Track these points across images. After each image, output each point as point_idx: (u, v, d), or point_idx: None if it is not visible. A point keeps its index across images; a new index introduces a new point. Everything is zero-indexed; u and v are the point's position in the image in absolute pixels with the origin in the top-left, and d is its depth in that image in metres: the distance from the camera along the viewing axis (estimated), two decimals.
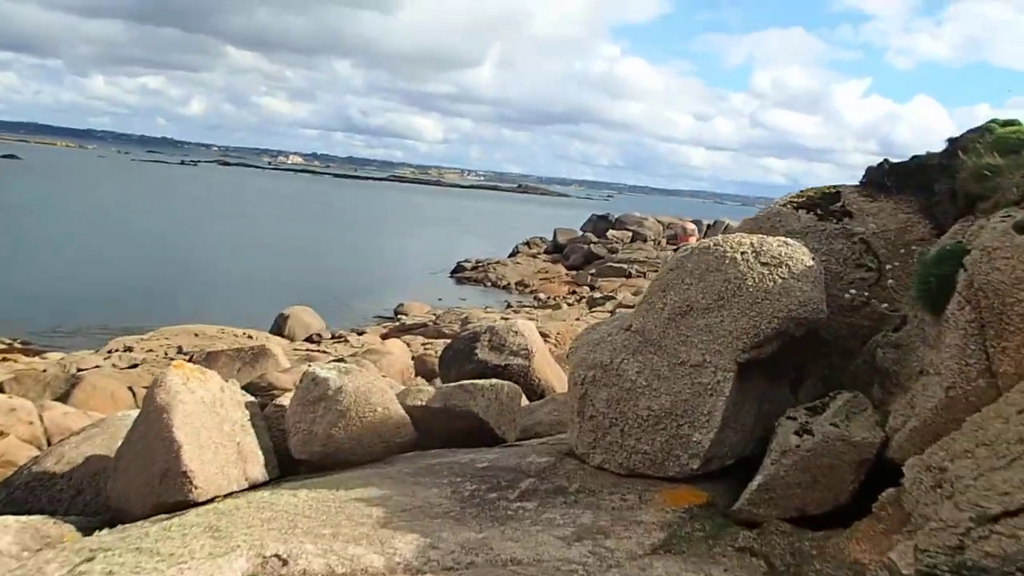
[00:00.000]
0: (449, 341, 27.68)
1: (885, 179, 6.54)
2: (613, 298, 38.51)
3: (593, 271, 49.76)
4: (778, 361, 5.20)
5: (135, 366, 18.04)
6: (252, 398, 5.91)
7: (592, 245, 55.15)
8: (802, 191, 6.73)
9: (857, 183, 6.75)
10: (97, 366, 18.60)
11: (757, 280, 4.99)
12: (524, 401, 8.64)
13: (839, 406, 4.73)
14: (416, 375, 18.61)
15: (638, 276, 48.05)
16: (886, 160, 6.74)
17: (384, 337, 29.93)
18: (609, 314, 32.91)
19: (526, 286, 47.88)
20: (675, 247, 10.92)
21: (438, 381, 16.95)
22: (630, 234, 57.45)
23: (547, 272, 51.58)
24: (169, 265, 41.61)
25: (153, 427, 5.07)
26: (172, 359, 19.18)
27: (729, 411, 4.98)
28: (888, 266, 5.88)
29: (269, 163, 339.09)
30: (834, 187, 6.67)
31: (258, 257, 48.96)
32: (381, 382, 6.05)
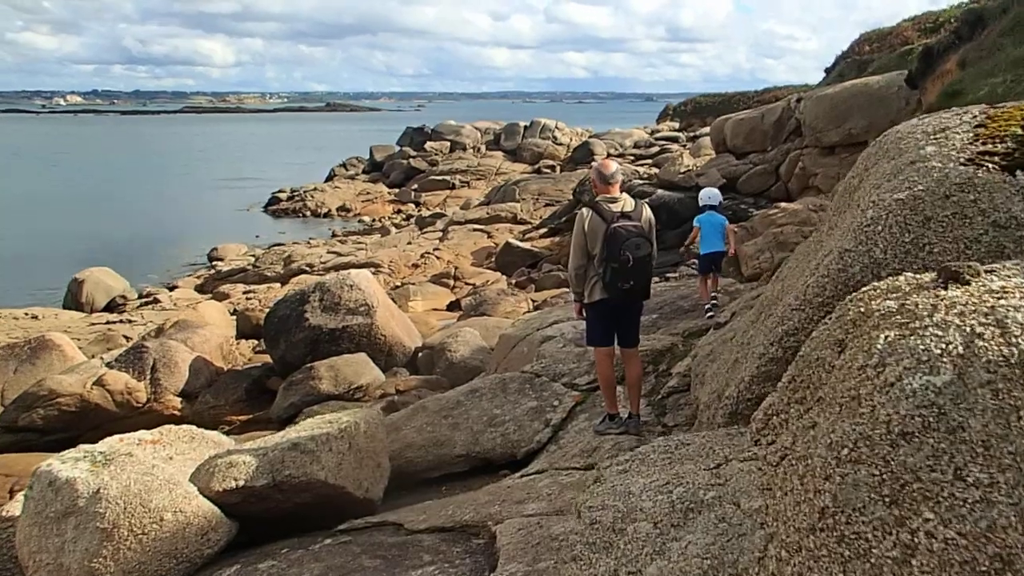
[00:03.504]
0: (275, 287, 25.36)
1: None
2: (443, 215, 36.75)
3: (416, 186, 47.86)
4: None
5: None
6: None
7: (411, 160, 52.97)
8: (985, 118, 3.47)
9: None
10: None
11: None
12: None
13: None
14: (239, 340, 16.30)
15: (462, 186, 46.68)
16: None
17: (200, 289, 27.04)
18: (440, 234, 31.19)
19: (348, 211, 45.48)
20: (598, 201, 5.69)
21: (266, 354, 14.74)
22: (448, 144, 55.49)
23: (368, 193, 49.16)
24: None
25: None
26: None
27: None
28: None
29: (43, 106, 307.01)
30: None
31: (39, 216, 43.05)
32: (167, 466, 4.05)
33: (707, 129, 33.92)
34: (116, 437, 4.79)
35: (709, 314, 8.69)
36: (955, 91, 9.31)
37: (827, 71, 32.49)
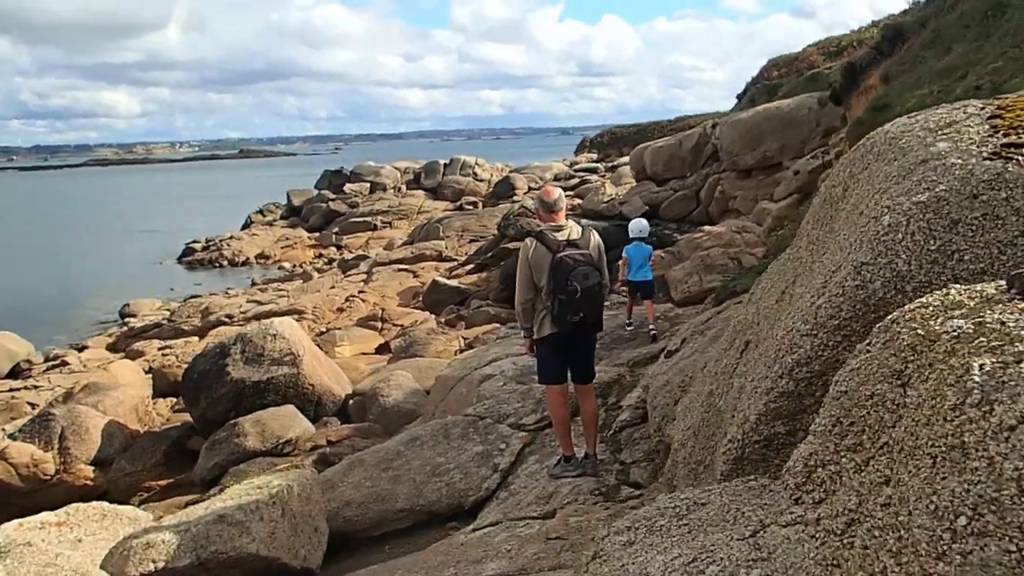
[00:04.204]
0: (193, 341, 24.34)
1: None
2: (366, 256, 36.13)
3: (336, 229, 47.10)
4: None
5: None
6: None
7: (331, 203, 52.23)
8: (997, 108, 3.13)
9: None
10: None
11: None
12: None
13: None
14: (156, 399, 15.43)
15: (384, 227, 46.19)
16: None
17: (112, 348, 25.81)
18: (364, 276, 30.57)
19: (267, 258, 44.44)
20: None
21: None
22: (368, 185, 54.95)
23: (288, 239, 48.15)
24: None
25: None
26: None
27: None
28: None
29: None
30: None
31: None
32: (74, 552, 3.54)
33: (625, 159, 34.29)
34: (14, 523, 4.21)
35: (652, 331, 8.89)
36: (883, 105, 9.39)
37: (739, 97, 33.34)
